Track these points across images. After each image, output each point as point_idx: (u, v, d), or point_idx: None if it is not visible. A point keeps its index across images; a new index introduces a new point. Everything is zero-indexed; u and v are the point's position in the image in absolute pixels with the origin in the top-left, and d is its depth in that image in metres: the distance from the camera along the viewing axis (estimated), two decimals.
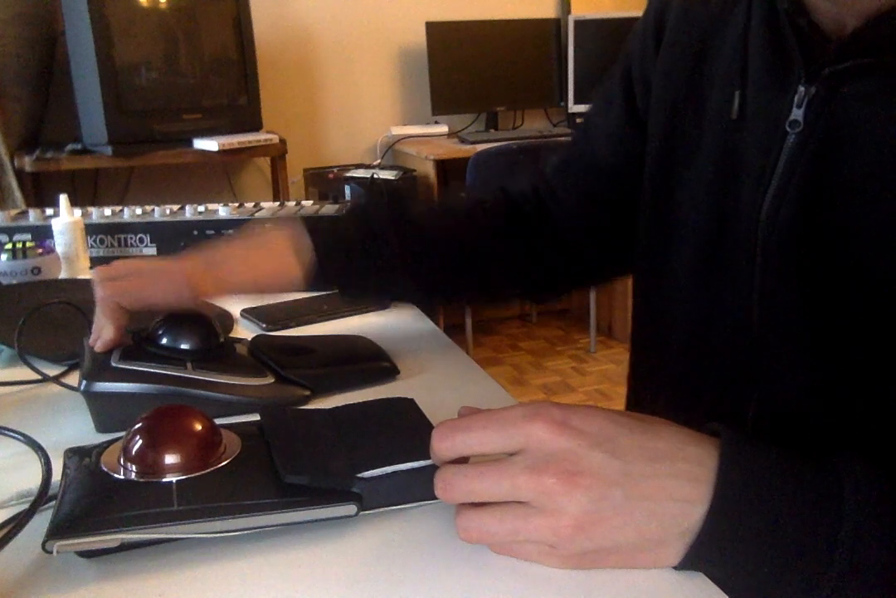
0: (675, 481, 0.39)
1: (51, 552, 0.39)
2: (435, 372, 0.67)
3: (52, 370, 0.66)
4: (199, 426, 0.46)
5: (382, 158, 3.05)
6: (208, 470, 0.44)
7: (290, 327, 0.78)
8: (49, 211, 1.04)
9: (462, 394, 0.63)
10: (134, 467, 0.44)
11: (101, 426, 0.57)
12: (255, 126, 2.49)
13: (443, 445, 0.41)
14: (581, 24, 2.97)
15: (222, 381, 0.58)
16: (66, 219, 0.98)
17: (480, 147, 2.62)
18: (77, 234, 0.98)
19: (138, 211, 1.03)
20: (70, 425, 0.58)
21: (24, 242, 0.91)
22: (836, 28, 0.51)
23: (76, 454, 0.47)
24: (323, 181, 2.89)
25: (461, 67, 2.98)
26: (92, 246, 1.01)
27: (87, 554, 0.41)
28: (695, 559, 0.39)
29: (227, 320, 0.78)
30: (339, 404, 0.53)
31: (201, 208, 1.05)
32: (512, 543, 0.40)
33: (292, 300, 0.84)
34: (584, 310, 3.05)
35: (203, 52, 2.41)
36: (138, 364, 0.56)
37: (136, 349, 0.58)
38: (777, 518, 0.38)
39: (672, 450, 0.40)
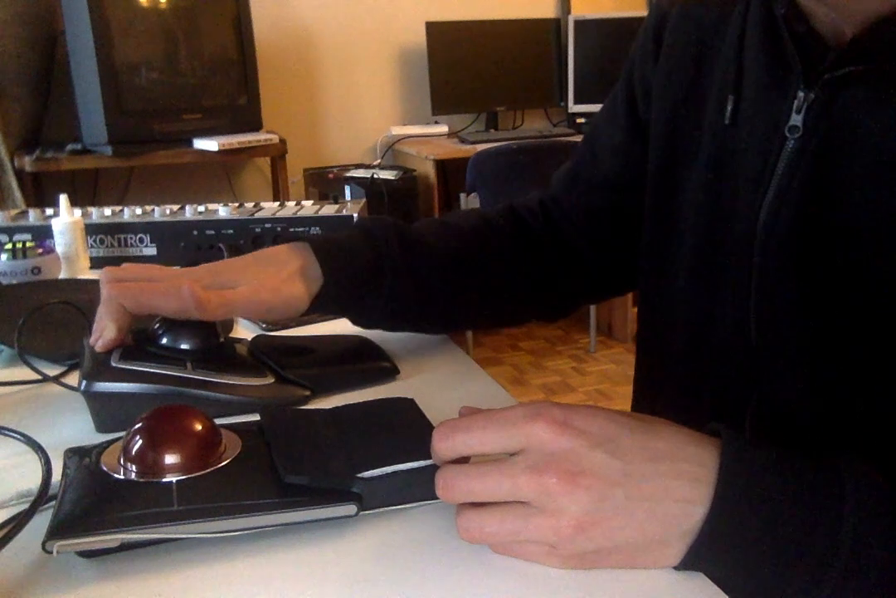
0: (675, 482, 0.39)
1: (51, 552, 0.39)
2: (435, 372, 0.67)
3: (52, 370, 0.66)
4: (199, 426, 0.46)
5: (382, 158, 3.06)
6: (208, 470, 0.44)
7: (290, 327, 0.78)
8: (49, 211, 1.04)
9: (462, 394, 0.63)
10: (134, 467, 0.44)
11: (101, 426, 0.57)
12: (255, 126, 2.49)
13: (443, 445, 0.42)
14: (581, 24, 2.97)
15: (222, 381, 0.58)
16: (66, 219, 0.97)
17: (480, 147, 2.62)
18: (77, 234, 0.98)
19: (138, 211, 1.03)
20: (70, 425, 0.58)
21: (24, 242, 0.91)
22: (835, 34, 0.51)
23: (76, 454, 0.47)
24: (323, 181, 2.90)
25: (461, 67, 2.98)
26: (92, 246, 1.01)
27: (87, 554, 0.41)
28: (695, 560, 0.39)
29: (227, 320, 0.78)
30: (339, 404, 0.53)
31: (201, 208, 1.04)
32: (512, 543, 0.40)
33: None
34: (584, 310, 3.05)
35: (203, 52, 2.41)
36: (138, 364, 0.56)
37: (136, 349, 0.58)
38: (778, 519, 0.38)
39: (673, 450, 0.40)
